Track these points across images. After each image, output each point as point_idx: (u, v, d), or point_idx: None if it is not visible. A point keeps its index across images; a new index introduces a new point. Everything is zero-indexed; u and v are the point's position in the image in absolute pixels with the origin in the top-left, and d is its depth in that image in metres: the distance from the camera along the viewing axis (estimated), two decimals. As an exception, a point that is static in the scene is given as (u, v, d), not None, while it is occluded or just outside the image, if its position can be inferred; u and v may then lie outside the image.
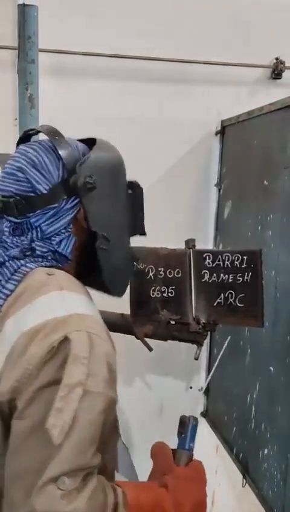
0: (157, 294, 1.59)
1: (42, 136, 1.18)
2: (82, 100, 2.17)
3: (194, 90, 2.28)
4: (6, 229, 1.11)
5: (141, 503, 0.98)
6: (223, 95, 2.29)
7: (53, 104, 2.08)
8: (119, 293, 1.26)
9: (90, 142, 1.21)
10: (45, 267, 1.10)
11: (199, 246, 1.63)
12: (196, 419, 1.26)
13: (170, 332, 1.60)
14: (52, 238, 1.11)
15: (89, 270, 1.19)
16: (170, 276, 1.58)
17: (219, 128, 2.30)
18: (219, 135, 2.31)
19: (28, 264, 1.09)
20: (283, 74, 2.30)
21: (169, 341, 1.62)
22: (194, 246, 1.61)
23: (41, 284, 1.04)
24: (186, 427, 1.24)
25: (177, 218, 2.29)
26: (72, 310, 0.98)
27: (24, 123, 1.71)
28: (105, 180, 1.14)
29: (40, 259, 1.11)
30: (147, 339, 1.63)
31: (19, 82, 1.71)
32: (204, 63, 2.23)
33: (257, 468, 1.89)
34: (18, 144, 1.22)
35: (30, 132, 1.24)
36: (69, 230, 1.12)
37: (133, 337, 1.62)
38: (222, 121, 2.29)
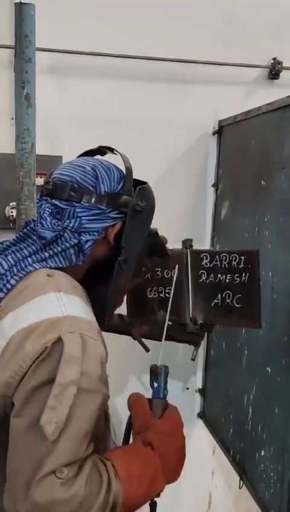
0: (154, 294, 1.59)
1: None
2: (79, 99, 2.16)
3: (191, 90, 2.27)
4: (48, 209, 1.18)
5: (132, 471, 1.04)
6: (220, 95, 2.28)
7: (50, 103, 2.07)
8: (105, 318, 1.26)
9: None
10: (49, 268, 1.15)
11: (196, 246, 1.62)
12: (166, 367, 1.31)
13: (167, 333, 1.59)
14: (83, 234, 1.17)
15: (91, 284, 1.24)
16: (167, 276, 1.57)
17: (217, 128, 2.30)
18: (216, 135, 2.31)
19: (34, 264, 1.15)
20: (281, 74, 2.30)
21: (166, 342, 1.62)
22: (191, 246, 1.60)
23: (41, 284, 1.10)
24: (159, 376, 1.29)
25: (175, 218, 2.28)
26: (66, 312, 1.04)
27: (20, 122, 1.69)
28: (148, 212, 1.27)
29: (47, 255, 1.16)
30: (143, 340, 1.63)
31: (15, 81, 1.70)
32: (201, 63, 2.23)
33: (254, 470, 1.88)
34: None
35: (92, 150, 1.34)
36: (101, 235, 1.20)
37: (130, 337, 1.61)
38: (219, 121, 2.28)
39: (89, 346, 1.00)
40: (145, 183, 1.29)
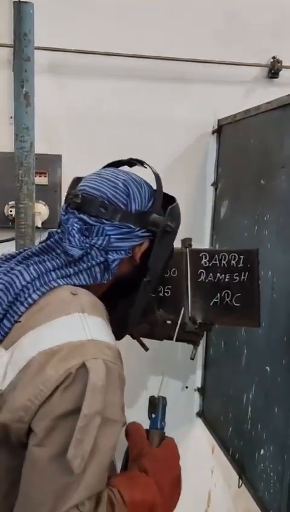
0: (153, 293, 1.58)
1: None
2: (78, 98, 2.16)
3: (190, 89, 2.27)
4: (76, 225, 1.14)
5: (135, 498, 1.04)
6: (219, 94, 2.28)
7: (49, 102, 2.06)
8: (124, 334, 1.30)
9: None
10: (73, 285, 1.12)
11: (195, 246, 1.62)
12: (164, 398, 1.32)
13: (166, 332, 1.59)
14: (110, 253, 1.14)
15: (111, 299, 1.25)
16: (166, 275, 1.57)
17: (216, 127, 2.29)
18: (215, 134, 2.30)
19: (58, 280, 1.11)
20: (280, 73, 2.29)
21: (165, 341, 1.62)
22: (190, 245, 1.60)
23: (64, 302, 1.07)
24: (157, 408, 1.30)
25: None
26: (90, 335, 1.01)
27: (20, 121, 1.70)
28: (175, 233, 1.24)
29: (72, 272, 1.13)
30: (143, 339, 1.62)
31: (14, 80, 1.70)
32: (201, 62, 2.22)
33: (253, 469, 1.88)
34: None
35: (121, 160, 1.31)
36: (128, 254, 1.17)
37: (129, 336, 1.61)
38: (219, 120, 2.28)
39: (112, 374, 0.98)
40: (173, 199, 1.27)
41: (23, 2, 1.64)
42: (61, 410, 0.94)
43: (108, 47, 2.12)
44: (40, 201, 2.08)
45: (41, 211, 2.08)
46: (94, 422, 0.92)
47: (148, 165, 1.26)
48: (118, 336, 1.24)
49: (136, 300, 1.23)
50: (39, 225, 2.00)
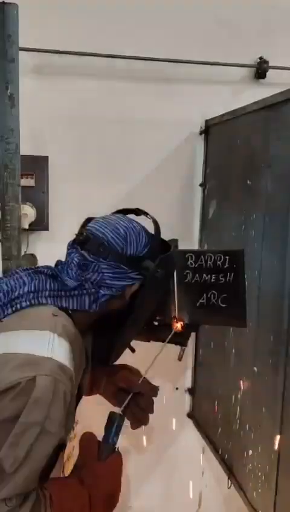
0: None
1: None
2: (63, 100, 2.15)
3: (178, 89, 2.27)
4: (76, 259, 1.27)
5: (64, 505, 1.16)
6: (207, 94, 2.28)
7: (34, 104, 2.06)
8: (109, 362, 1.43)
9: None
10: (60, 307, 1.26)
11: (184, 246, 1.61)
12: (122, 416, 1.37)
13: (153, 334, 1.58)
14: (102, 288, 1.26)
15: (100, 327, 1.37)
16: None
17: (203, 127, 2.30)
18: (203, 135, 2.31)
19: (48, 298, 1.26)
20: (267, 74, 2.31)
21: (152, 342, 1.61)
22: (176, 246, 1.59)
23: (42, 319, 1.21)
24: (111, 424, 1.35)
25: (162, 218, 2.23)
26: (52, 354, 1.13)
27: (4, 122, 1.68)
28: (166, 280, 1.37)
29: (63, 295, 1.26)
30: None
31: (-1, 81, 1.69)
32: (188, 63, 2.22)
33: (242, 469, 1.88)
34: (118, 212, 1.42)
35: (129, 209, 1.42)
36: (119, 292, 1.28)
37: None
38: (206, 121, 2.28)
39: (59, 392, 1.09)
40: (169, 246, 1.39)
41: (8, 3, 1.62)
42: (6, 415, 1.06)
43: (94, 48, 2.12)
44: (27, 202, 2.07)
45: (28, 212, 2.07)
46: (32, 431, 1.05)
47: (151, 216, 1.38)
48: (104, 363, 1.43)
49: (121, 335, 1.35)
50: (26, 227, 1.99)
